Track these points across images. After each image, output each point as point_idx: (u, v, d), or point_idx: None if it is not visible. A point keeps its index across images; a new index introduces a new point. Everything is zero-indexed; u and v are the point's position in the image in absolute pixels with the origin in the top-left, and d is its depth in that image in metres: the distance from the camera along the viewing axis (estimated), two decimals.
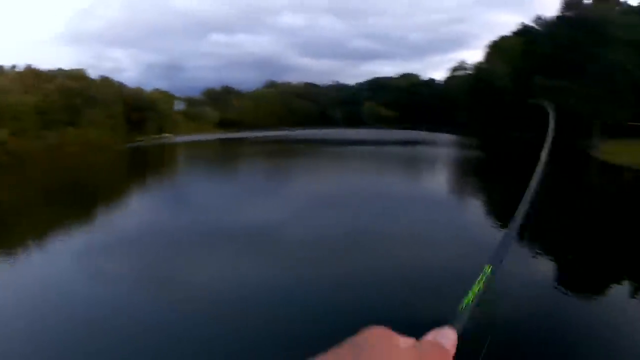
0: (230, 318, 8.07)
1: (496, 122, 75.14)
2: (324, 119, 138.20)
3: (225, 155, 56.82)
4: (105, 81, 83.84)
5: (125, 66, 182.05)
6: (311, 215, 17.13)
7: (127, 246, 13.35)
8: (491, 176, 29.53)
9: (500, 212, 16.94)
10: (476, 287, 0.62)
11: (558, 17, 56.90)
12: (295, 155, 51.52)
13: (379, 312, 7.82)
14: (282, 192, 24.00)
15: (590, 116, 41.04)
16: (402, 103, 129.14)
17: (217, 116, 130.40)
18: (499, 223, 14.72)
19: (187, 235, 14.46)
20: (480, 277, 0.56)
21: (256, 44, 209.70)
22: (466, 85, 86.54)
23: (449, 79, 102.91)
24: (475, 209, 19.15)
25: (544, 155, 2.78)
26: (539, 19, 64.10)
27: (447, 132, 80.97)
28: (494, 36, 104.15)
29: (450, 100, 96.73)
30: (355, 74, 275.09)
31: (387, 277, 10.00)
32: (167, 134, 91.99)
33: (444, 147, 58.30)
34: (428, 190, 24.27)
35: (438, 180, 29.02)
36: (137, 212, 19.85)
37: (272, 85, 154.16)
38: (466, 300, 0.60)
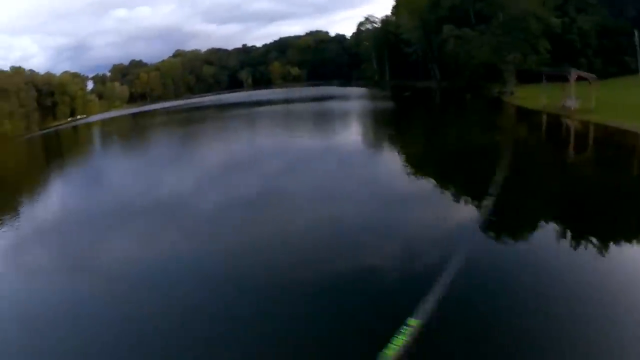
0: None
1: (403, 72, 75.60)
2: (233, 83, 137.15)
3: (138, 129, 56.10)
4: (16, 71, 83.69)
5: (34, 53, 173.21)
6: (227, 180, 19.29)
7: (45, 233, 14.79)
8: (401, 125, 32.25)
9: (413, 160, 19.50)
10: (400, 340, 0.50)
11: None
12: (203, 121, 51.20)
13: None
14: (196, 160, 25.87)
15: (502, 63, 40.85)
16: (310, 60, 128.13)
17: (126, 91, 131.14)
18: (414, 171, 17.39)
19: (124, 213, 15.70)
20: (403, 330, 0.51)
21: (158, 14, 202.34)
22: (374, 39, 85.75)
23: (357, 34, 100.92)
24: (394, 157, 21.03)
25: None
26: None
27: (358, 85, 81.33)
28: None
29: (360, 54, 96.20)
30: (262, 35, 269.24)
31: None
32: (80, 115, 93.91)
33: (354, 100, 57.67)
34: (338, 143, 25.31)
35: (350, 134, 29.37)
36: (53, 196, 21.46)
37: (178, 54, 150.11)
38: (388, 352, 0.50)
